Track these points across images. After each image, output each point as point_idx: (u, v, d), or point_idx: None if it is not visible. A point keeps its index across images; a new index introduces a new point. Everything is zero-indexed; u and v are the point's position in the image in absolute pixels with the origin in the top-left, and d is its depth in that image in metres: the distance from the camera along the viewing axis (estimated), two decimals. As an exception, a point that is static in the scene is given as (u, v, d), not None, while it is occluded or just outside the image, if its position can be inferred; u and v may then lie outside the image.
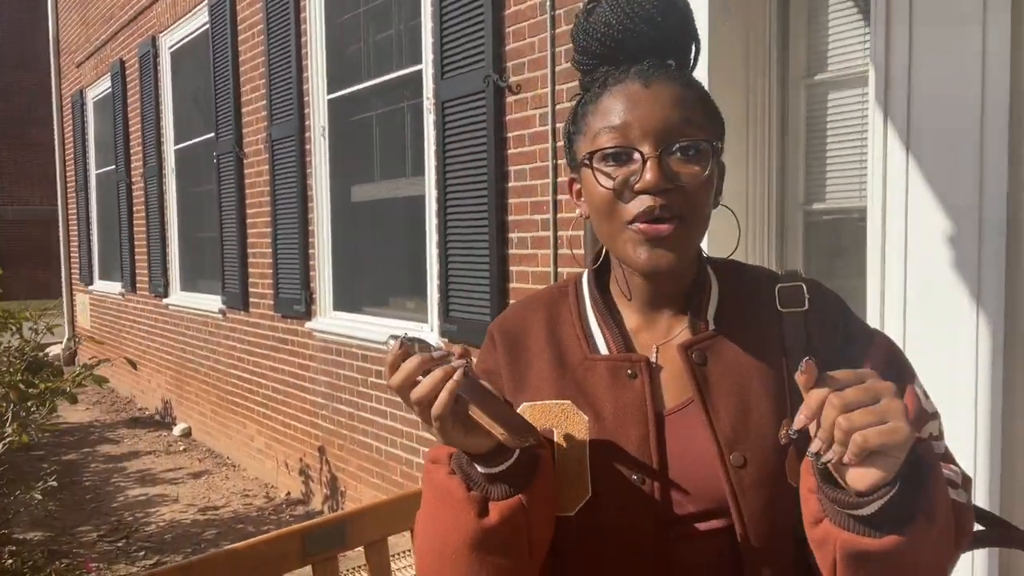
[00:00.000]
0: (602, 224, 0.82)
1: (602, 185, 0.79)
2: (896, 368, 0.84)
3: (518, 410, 0.85)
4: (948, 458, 0.84)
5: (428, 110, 3.25)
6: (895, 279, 1.77)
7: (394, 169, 3.81)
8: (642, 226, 0.78)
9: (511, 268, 2.87)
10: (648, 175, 0.77)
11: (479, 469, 0.76)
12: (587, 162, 0.81)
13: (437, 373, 0.70)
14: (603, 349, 0.86)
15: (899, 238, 1.76)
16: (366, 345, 3.69)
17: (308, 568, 1.31)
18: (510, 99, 2.83)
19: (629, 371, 0.83)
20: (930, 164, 1.71)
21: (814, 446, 0.64)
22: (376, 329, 3.66)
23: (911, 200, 1.73)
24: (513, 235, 2.85)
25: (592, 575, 0.82)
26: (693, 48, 0.86)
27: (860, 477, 0.63)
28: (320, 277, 4.13)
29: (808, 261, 2.20)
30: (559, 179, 2.66)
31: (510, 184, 2.85)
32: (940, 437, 0.84)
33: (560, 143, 2.39)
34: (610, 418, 0.82)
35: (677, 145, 0.78)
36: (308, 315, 4.19)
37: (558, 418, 0.83)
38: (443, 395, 0.69)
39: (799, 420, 0.65)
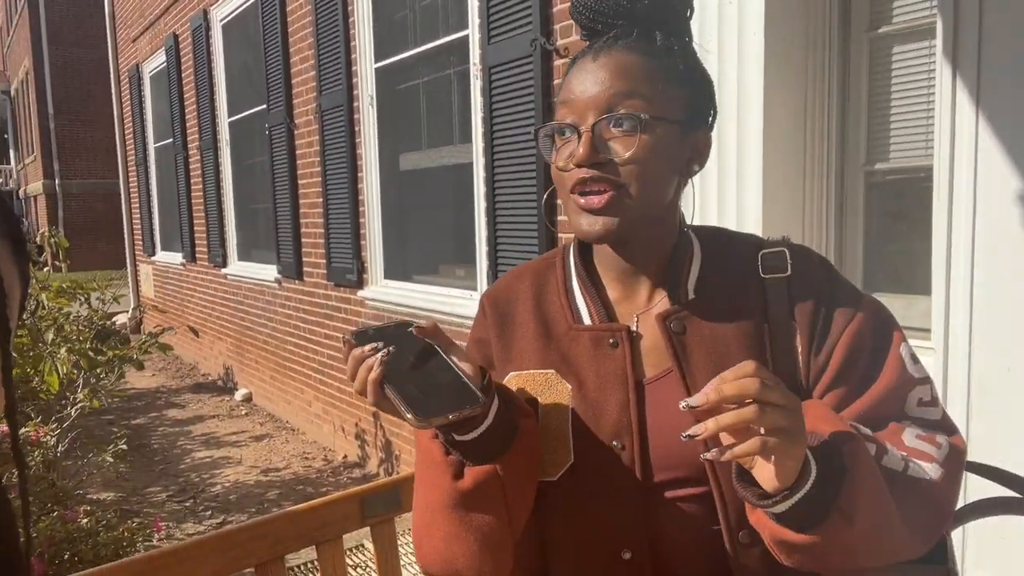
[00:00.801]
0: (559, 194, 0.86)
1: (549, 160, 0.84)
2: (883, 331, 0.83)
3: (505, 379, 0.88)
4: (941, 426, 0.81)
5: (475, 76, 3.22)
6: (962, 243, 1.70)
7: (442, 136, 3.81)
8: (579, 199, 0.81)
9: (559, 235, 2.85)
10: (581, 150, 0.79)
11: (454, 436, 0.78)
12: (543, 137, 0.85)
13: (362, 371, 0.74)
14: (586, 319, 0.88)
15: (967, 199, 1.68)
16: (416, 313, 3.74)
17: (367, 529, 1.35)
18: (558, 62, 2.79)
19: (611, 340, 0.85)
20: (1001, 120, 1.62)
21: (694, 429, 0.66)
22: (426, 297, 3.70)
23: (980, 159, 1.65)
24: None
25: (575, 538, 0.85)
26: (685, 17, 0.85)
27: (764, 479, 0.66)
28: (371, 246, 4.18)
29: (869, 224, 2.13)
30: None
31: (559, 149, 2.81)
32: (932, 403, 0.82)
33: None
34: (592, 386, 0.84)
35: (609, 118, 0.79)
36: (360, 284, 4.25)
37: (542, 386, 0.86)
38: (369, 387, 0.74)
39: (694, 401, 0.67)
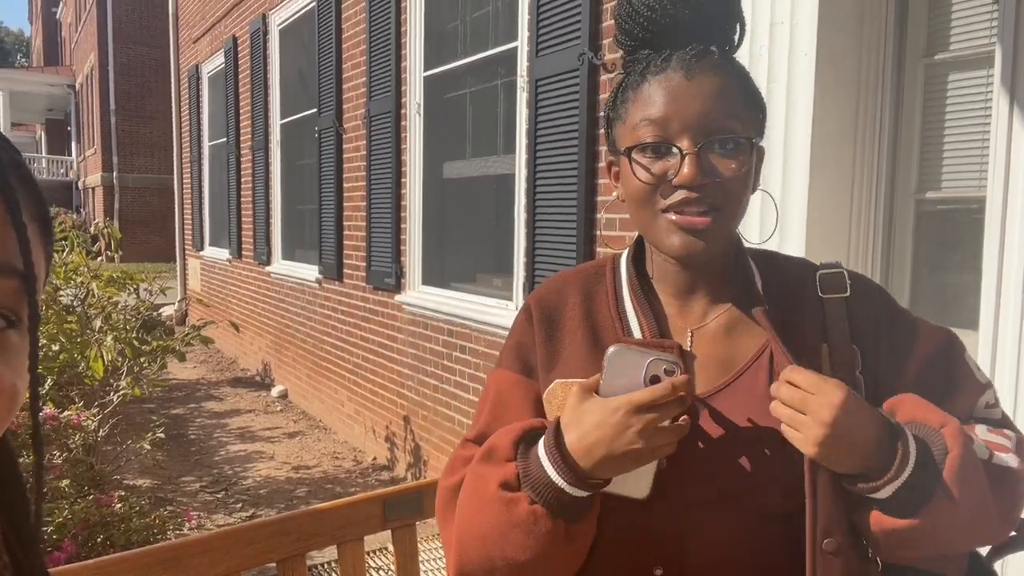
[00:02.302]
0: (637, 211, 0.84)
1: (639, 178, 0.81)
2: (947, 344, 0.87)
3: (550, 386, 0.87)
4: (1004, 423, 0.86)
5: (521, 88, 3.24)
6: (1013, 276, 1.65)
7: (485, 147, 3.83)
8: (676, 217, 0.80)
9: (597, 250, 2.84)
10: (686, 170, 0.78)
11: (571, 493, 0.75)
12: (626, 154, 0.82)
13: (681, 427, 0.75)
14: (637, 332, 0.87)
15: (1020, 233, 1.63)
16: (452, 320, 3.76)
17: (388, 532, 1.35)
18: (604, 77, 2.79)
19: None
20: (1061, 152, 1.57)
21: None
22: (462, 305, 3.72)
23: (1036, 191, 1.60)
24: (601, 216, 2.82)
25: (609, 551, 0.83)
26: (738, 30, 0.86)
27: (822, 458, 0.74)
28: (410, 252, 4.22)
29: (918, 253, 2.07)
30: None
31: (600, 164, 2.81)
32: (995, 405, 0.87)
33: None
34: None
35: (716, 140, 0.79)
36: (398, 288, 4.29)
37: None
38: (672, 445, 0.75)
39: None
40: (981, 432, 0.81)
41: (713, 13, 0.82)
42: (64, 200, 23.14)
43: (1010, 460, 0.79)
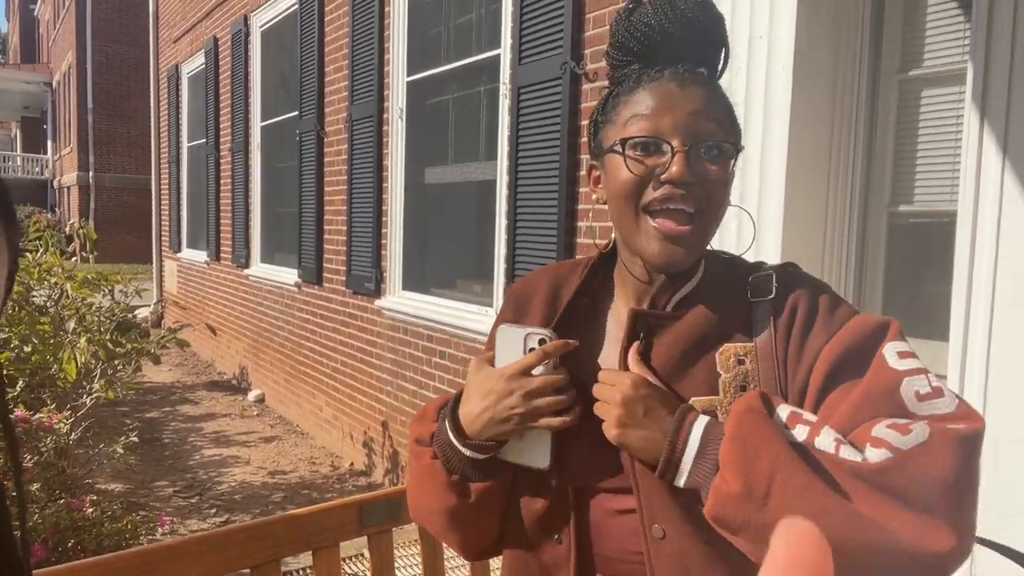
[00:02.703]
0: (621, 210, 0.86)
1: (630, 170, 0.83)
2: (873, 336, 0.80)
3: None
4: (953, 417, 0.73)
5: (504, 95, 3.26)
6: (983, 288, 1.68)
7: (467, 153, 3.84)
8: (658, 223, 0.83)
9: (578, 257, 2.86)
10: (675, 167, 0.81)
11: (465, 453, 0.86)
12: (617, 149, 0.84)
13: (563, 400, 0.83)
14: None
15: (989, 247, 1.66)
16: (432, 326, 3.75)
17: (365, 538, 1.35)
18: (586, 86, 2.81)
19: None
20: (1029, 169, 1.61)
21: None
22: (442, 311, 3.72)
23: (1005, 206, 1.64)
24: (582, 224, 2.83)
25: (521, 519, 0.91)
26: (723, 57, 0.90)
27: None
28: (391, 256, 4.22)
29: (890, 265, 2.11)
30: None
31: (581, 172, 2.83)
32: (934, 394, 0.75)
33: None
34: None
35: (704, 144, 0.82)
36: (378, 293, 4.28)
37: None
38: (558, 420, 0.83)
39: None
40: (878, 428, 0.72)
41: (704, 35, 0.86)
42: (39, 199, 22.78)
43: (871, 456, 0.71)
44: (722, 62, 0.90)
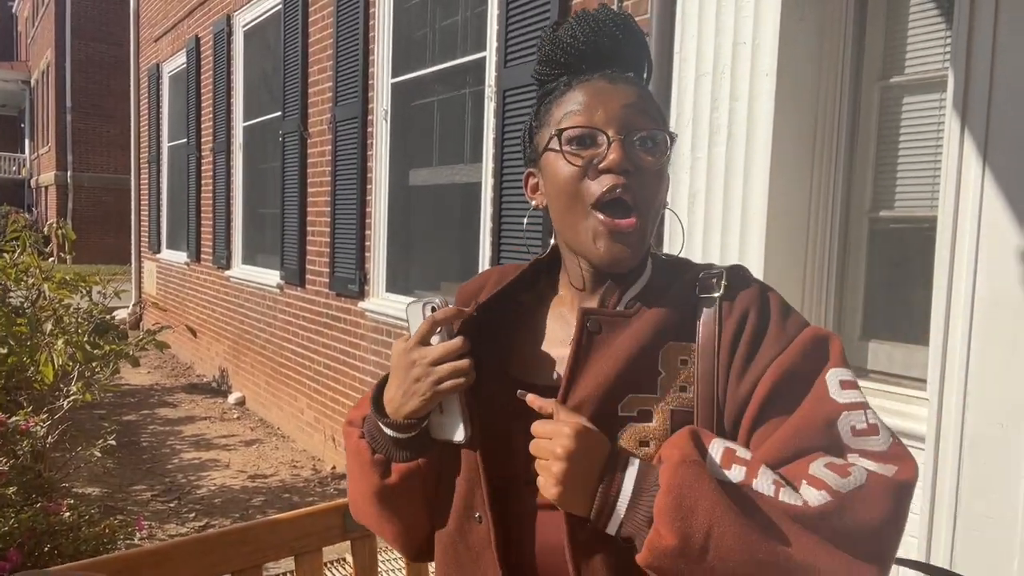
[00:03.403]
0: (564, 209, 0.86)
1: (569, 162, 0.84)
2: (815, 358, 0.80)
3: None
4: (887, 456, 0.74)
5: (489, 98, 3.25)
6: (962, 293, 1.70)
7: (452, 155, 3.83)
8: (605, 219, 0.83)
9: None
10: (612, 155, 0.82)
11: (388, 433, 0.87)
12: (554, 145, 0.85)
13: (461, 364, 0.83)
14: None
15: (969, 253, 1.69)
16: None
17: (348, 543, 1.34)
18: (572, 90, 2.81)
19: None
20: (1007, 175, 1.63)
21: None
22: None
23: (984, 214, 1.66)
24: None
25: (449, 499, 0.91)
26: (647, 67, 0.93)
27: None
28: (374, 258, 4.20)
29: (871, 270, 2.13)
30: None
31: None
32: (870, 431, 0.75)
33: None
34: (478, 377, 0.89)
35: (639, 133, 0.84)
36: (361, 295, 4.26)
37: None
38: (453, 382, 0.83)
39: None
40: (817, 466, 0.73)
41: (628, 45, 0.89)
42: (16, 199, 22.45)
43: (810, 498, 0.71)
44: (647, 71, 0.93)
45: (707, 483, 0.71)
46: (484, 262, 3.31)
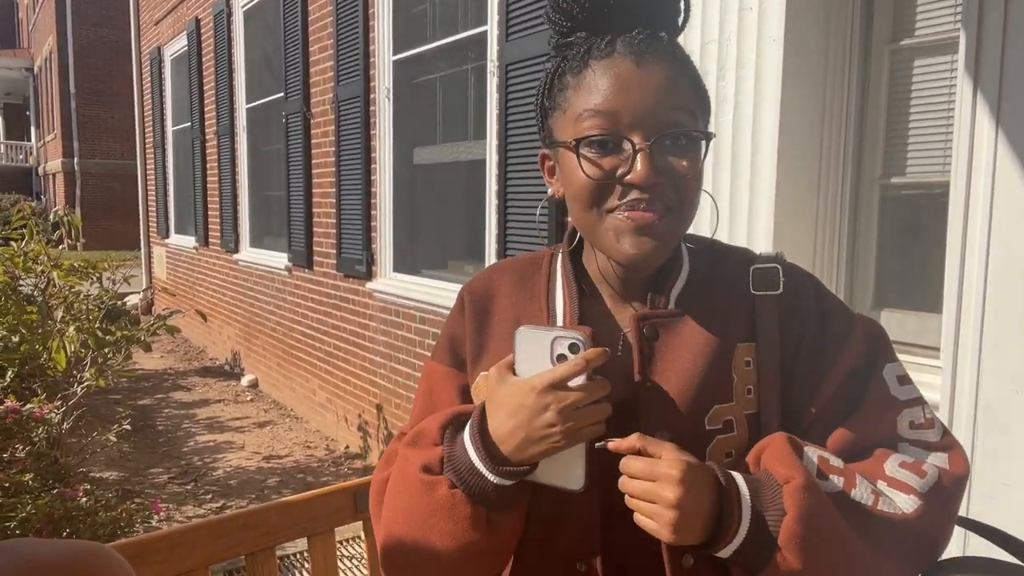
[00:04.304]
0: (581, 211, 0.78)
1: (587, 175, 0.74)
2: (872, 355, 0.81)
3: (476, 380, 0.84)
4: (940, 446, 0.79)
5: (492, 72, 3.21)
6: (976, 260, 1.68)
7: (456, 132, 3.80)
8: (627, 213, 0.74)
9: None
10: (639, 168, 0.72)
11: (493, 480, 0.73)
12: (571, 147, 0.75)
13: (606, 410, 0.72)
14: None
15: (982, 218, 1.66)
16: (424, 307, 3.74)
17: (360, 523, 1.34)
18: (575, 62, 2.77)
19: None
20: (1021, 138, 1.60)
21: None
22: (434, 292, 3.70)
23: (998, 178, 1.63)
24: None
25: (535, 546, 0.82)
26: (681, 11, 0.79)
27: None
28: (381, 238, 4.19)
29: (882, 238, 2.10)
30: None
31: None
32: (927, 424, 0.79)
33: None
34: None
35: (669, 134, 0.73)
36: (369, 275, 4.26)
37: None
38: (594, 431, 0.72)
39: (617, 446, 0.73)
40: (891, 466, 0.75)
41: None
42: (24, 187, 22.53)
43: (905, 504, 0.73)
44: (682, 16, 0.79)
45: (830, 508, 0.71)
46: (491, 239, 3.29)
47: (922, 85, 1.99)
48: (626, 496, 0.71)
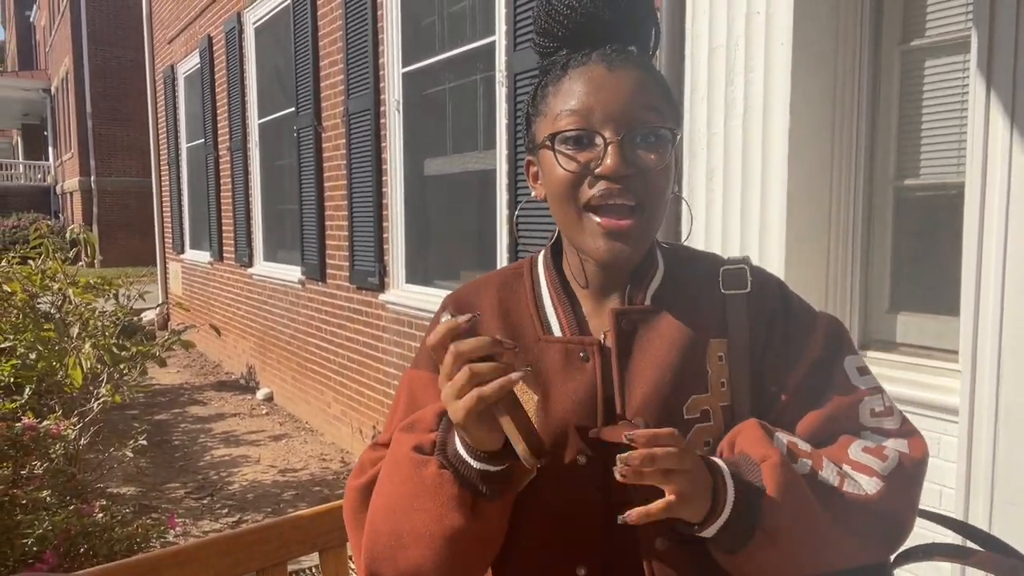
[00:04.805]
0: (560, 208, 0.82)
1: (563, 167, 0.79)
2: (834, 347, 0.87)
3: None
4: (900, 433, 0.84)
5: (500, 83, 3.22)
6: (993, 261, 1.65)
7: (466, 143, 3.81)
8: (602, 220, 0.79)
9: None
10: (609, 160, 0.77)
11: (475, 466, 0.74)
12: (548, 144, 0.81)
13: (501, 365, 0.70)
14: (557, 331, 0.86)
15: (999, 218, 1.63)
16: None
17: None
18: (583, 70, 2.77)
19: (582, 354, 0.84)
20: (1038, 137, 1.57)
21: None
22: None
23: (1014, 177, 1.60)
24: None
25: (531, 554, 0.83)
26: (654, 34, 0.87)
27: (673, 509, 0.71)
28: (393, 250, 4.19)
29: (897, 241, 2.08)
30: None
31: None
32: (886, 412, 0.85)
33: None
34: (560, 399, 0.82)
35: (639, 132, 0.79)
36: (381, 287, 4.26)
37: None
38: (497, 384, 0.69)
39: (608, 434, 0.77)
40: (855, 450, 0.81)
41: (631, 14, 0.83)
42: (42, 206, 22.84)
43: (868, 485, 0.78)
44: (653, 39, 0.86)
45: (804, 486, 0.75)
46: (502, 249, 3.28)
47: (934, 86, 1.97)
48: (619, 469, 0.69)
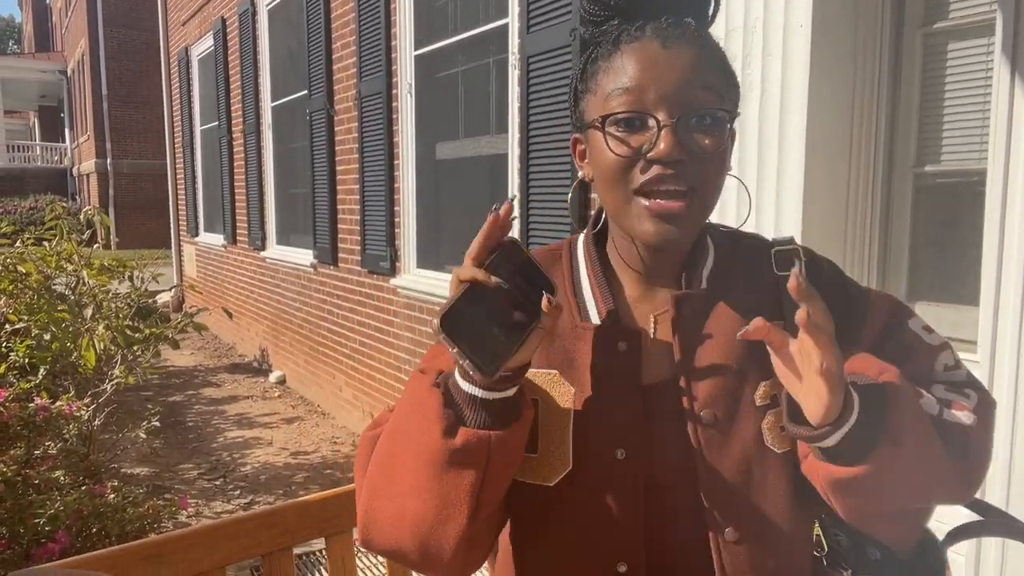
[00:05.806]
0: (609, 191, 0.79)
1: (613, 151, 0.76)
2: (898, 315, 0.87)
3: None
4: (968, 383, 0.85)
5: (513, 65, 3.18)
6: (1015, 250, 1.61)
7: (478, 126, 3.78)
8: (650, 203, 0.76)
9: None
10: (662, 144, 0.73)
11: (465, 388, 0.72)
12: (598, 125, 0.77)
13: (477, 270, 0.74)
14: (595, 318, 0.83)
15: (1021, 205, 1.59)
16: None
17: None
18: (597, 53, 2.73)
19: (620, 342, 0.81)
20: (1064, 122, 1.53)
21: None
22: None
23: (1039, 163, 1.56)
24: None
25: (569, 550, 0.80)
26: (712, 3, 0.81)
27: (813, 409, 0.68)
28: (404, 234, 4.18)
29: (917, 228, 2.04)
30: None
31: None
32: (956, 366, 0.86)
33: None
34: (597, 390, 0.80)
35: (694, 114, 0.75)
36: (393, 272, 4.25)
37: (544, 387, 0.81)
38: (467, 265, 0.73)
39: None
40: (938, 391, 0.82)
41: None
42: (59, 188, 23.00)
43: (963, 417, 0.79)
44: (712, 6, 0.81)
45: (916, 398, 0.75)
46: (513, 233, 3.26)
47: (957, 69, 1.92)
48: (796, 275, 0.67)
